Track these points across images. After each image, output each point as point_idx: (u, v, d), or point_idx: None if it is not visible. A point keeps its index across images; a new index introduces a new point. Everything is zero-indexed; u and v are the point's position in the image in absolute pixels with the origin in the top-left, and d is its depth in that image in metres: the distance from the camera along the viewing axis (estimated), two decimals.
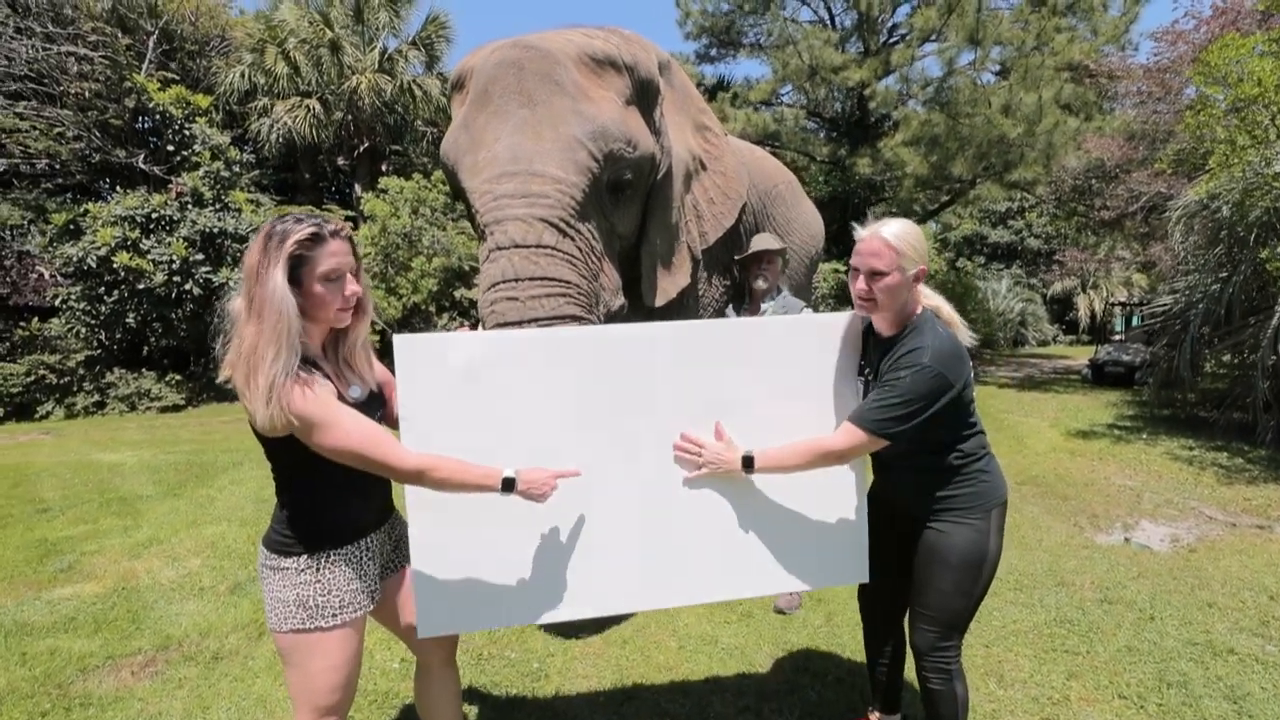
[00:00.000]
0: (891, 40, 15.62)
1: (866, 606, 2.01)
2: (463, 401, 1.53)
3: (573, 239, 2.11)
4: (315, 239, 1.31)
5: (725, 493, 1.67)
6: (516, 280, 2.02)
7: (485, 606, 1.59)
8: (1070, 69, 12.93)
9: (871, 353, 1.72)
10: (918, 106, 14.68)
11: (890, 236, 1.54)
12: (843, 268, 16.36)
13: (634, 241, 2.58)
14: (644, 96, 2.46)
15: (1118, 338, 17.81)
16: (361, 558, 1.50)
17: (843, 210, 17.22)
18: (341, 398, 1.40)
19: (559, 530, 1.60)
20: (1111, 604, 3.11)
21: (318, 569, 1.42)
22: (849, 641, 2.77)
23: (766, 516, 1.69)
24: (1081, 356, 17.55)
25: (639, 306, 2.66)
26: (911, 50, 13.83)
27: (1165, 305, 8.41)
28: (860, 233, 1.61)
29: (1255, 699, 2.33)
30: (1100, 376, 12.61)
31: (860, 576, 1.79)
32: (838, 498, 1.73)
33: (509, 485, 1.45)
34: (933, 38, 13.91)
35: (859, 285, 1.59)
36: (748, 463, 1.60)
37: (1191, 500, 4.91)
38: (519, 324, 1.99)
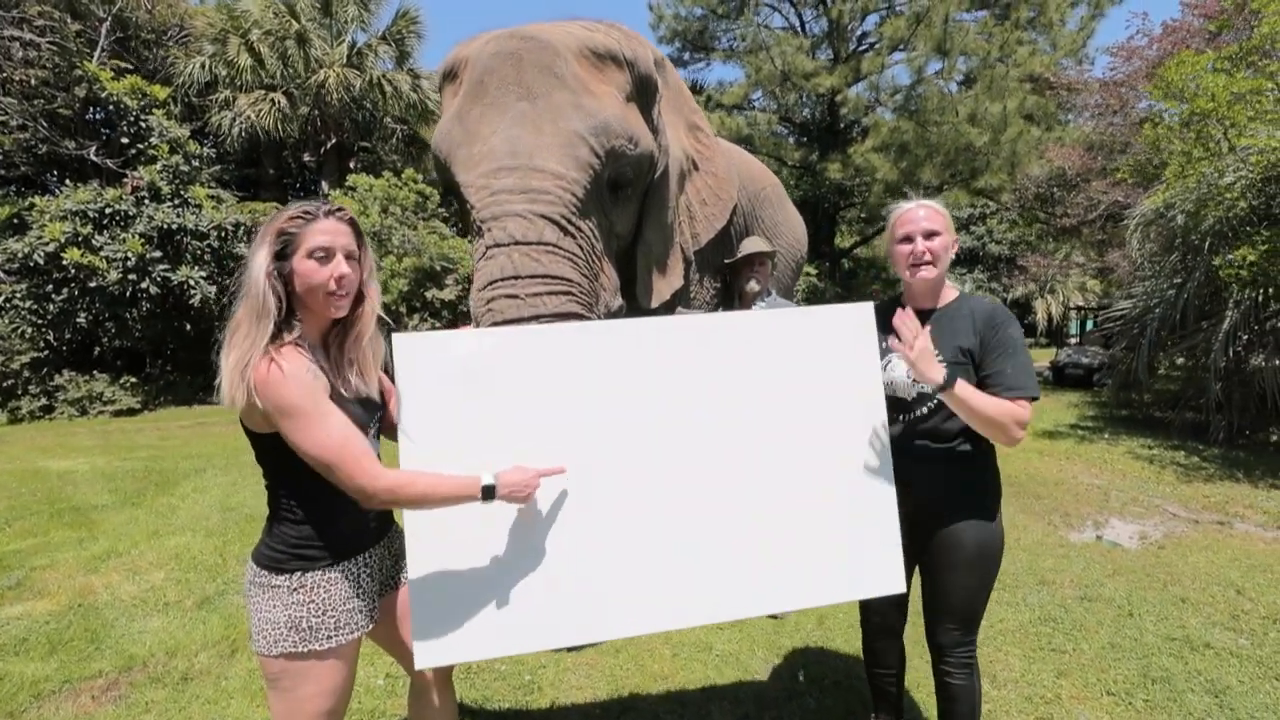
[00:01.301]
0: (861, 48, 15.96)
1: (869, 615, 1.97)
2: (465, 401, 1.45)
3: (574, 237, 2.04)
4: (305, 216, 1.30)
5: (747, 499, 1.58)
6: (516, 278, 1.93)
7: (492, 632, 1.45)
8: (1032, 80, 13.40)
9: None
10: (887, 114, 15.03)
11: (933, 204, 1.68)
12: (813, 271, 16.61)
13: (629, 241, 2.53)
14: (643, 93, 2.41)
15: (1073, 341, 18.50)
16: (360, 575, 1.40)
17: (813, 214, 17.48)
18: (338, 397, 1.32)
19: (570, 546, 1.50)
20: (1091, 601, 3.19)
21: (312, 588, 1.33)
22: (843, 645, 2.77)
23: (791, 525, 1.60)
24: (1041, 359, 18.15)
25: (633, 307, 2.61)
26: (881, 58, 14.17)
27: (1124, 310, 8.74)
28: (904, 205, 1.71)
29: (1235, 692, 2.40)
30: (1061, 378, 13.10)
31: (895, 586, 1.64)
32: (867, 502, 1.63)
33: (489, 493, 1.36)
34: (901, 47, 14.26)
35: (917, 247, 1.65)
36: (948, 383, 1.52)
37: (1155, 498, 5.08)
38: (518, 322, 1.90)
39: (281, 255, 1.28)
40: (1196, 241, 7.25)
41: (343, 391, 1.35)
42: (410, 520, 1.43)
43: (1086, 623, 2.96)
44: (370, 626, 1.43)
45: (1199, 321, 7.42)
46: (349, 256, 1.33)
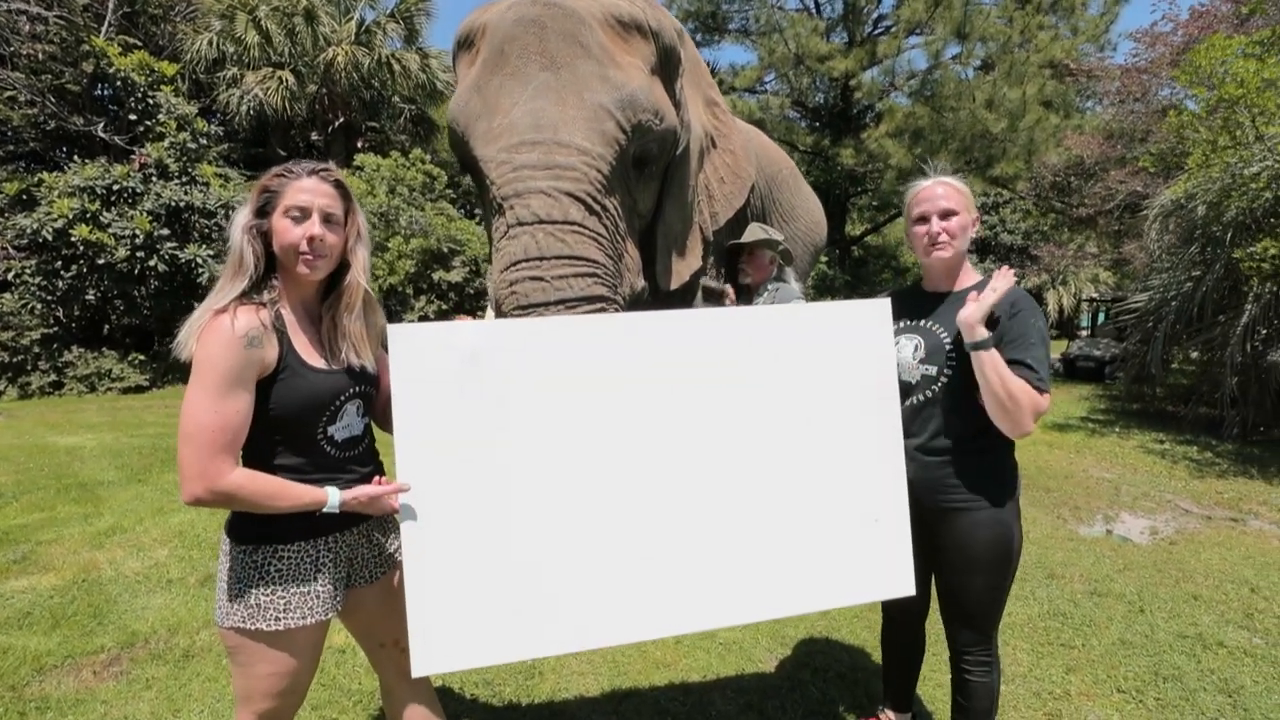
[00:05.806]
0: (877, 31, 15.62)
1: (888, 606, 1.95)
2: (466, 398, 1.38)
3: (599, 216, 1.95)
4: (287, 174, 1.27)
5: (756, 499, 1.52)
6: (541, 259, 1.83)
7: (495, 637, 1.38)
8: (1051, 66, 13.10)
9: (919, 308, 1.69)
10: (902, 99, 14.74)
11: (952, 180, 1.61)
12: (823, 259, 16.45)
13: (649, 221, 2.45)
14: (667, 66, 2.31)
15: (1084, 333, 18.28)
16: (319, 559, 1.33)
17: (824, 201, 17.21)
18: (303, 366, 1.28)
19: (575, 547, 1.43)
20: (1101, 596, 3.13)
21: (261, 565, 1.27)
22: (848, 636, 2.74)
23: (801, 525, 1.54)
24: (1053, 351, 17.96)
25: (651, 289, 2.54)
26: (898, 41, 13.88)
27: (1139, 303, 8.58)
28: (921, 183, 1.64)
29: (1249, 692, 2.35)
30: (1072, 370, 12.93)
31: (905, 589, 1.60)
32: (878, 502, 1.58)
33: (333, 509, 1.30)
34: (919, 30, 13.95)
35: (934, 228, 1.59)
36: (985, 344, 1.48)
37: (1167, 493, 5.01)
38: (545, 305, 1.82)
39: (262, 212, 1.25)
40: (1218, 233, 7.08)
41: (320, 364, 1.31)
42: (408, 517, 1.35)
43: (1096, 618, 2.91)
44: (329, 616, 1.36)
45: (1216, 315, 7.28)
46: (328, 219, 1.28)
